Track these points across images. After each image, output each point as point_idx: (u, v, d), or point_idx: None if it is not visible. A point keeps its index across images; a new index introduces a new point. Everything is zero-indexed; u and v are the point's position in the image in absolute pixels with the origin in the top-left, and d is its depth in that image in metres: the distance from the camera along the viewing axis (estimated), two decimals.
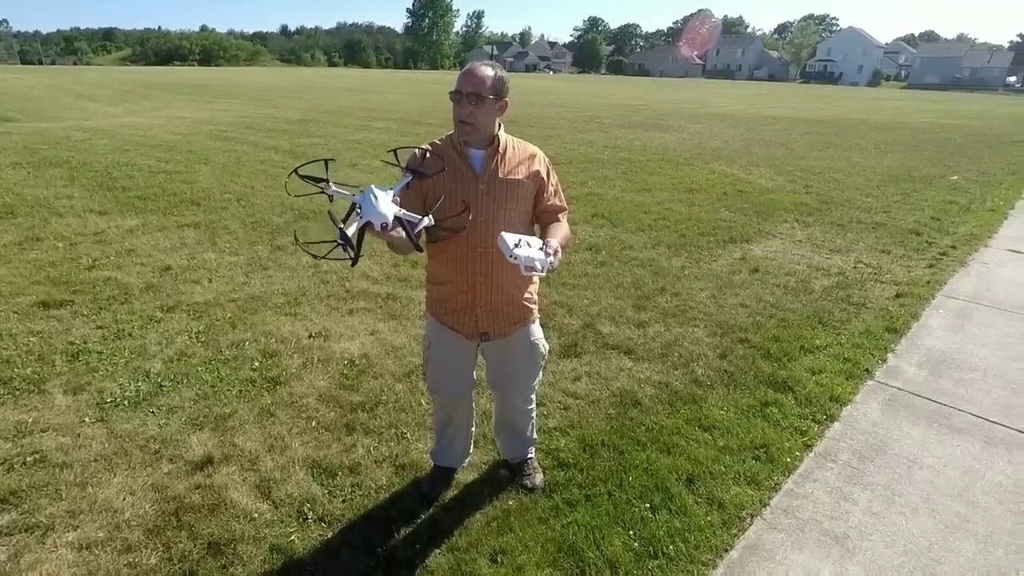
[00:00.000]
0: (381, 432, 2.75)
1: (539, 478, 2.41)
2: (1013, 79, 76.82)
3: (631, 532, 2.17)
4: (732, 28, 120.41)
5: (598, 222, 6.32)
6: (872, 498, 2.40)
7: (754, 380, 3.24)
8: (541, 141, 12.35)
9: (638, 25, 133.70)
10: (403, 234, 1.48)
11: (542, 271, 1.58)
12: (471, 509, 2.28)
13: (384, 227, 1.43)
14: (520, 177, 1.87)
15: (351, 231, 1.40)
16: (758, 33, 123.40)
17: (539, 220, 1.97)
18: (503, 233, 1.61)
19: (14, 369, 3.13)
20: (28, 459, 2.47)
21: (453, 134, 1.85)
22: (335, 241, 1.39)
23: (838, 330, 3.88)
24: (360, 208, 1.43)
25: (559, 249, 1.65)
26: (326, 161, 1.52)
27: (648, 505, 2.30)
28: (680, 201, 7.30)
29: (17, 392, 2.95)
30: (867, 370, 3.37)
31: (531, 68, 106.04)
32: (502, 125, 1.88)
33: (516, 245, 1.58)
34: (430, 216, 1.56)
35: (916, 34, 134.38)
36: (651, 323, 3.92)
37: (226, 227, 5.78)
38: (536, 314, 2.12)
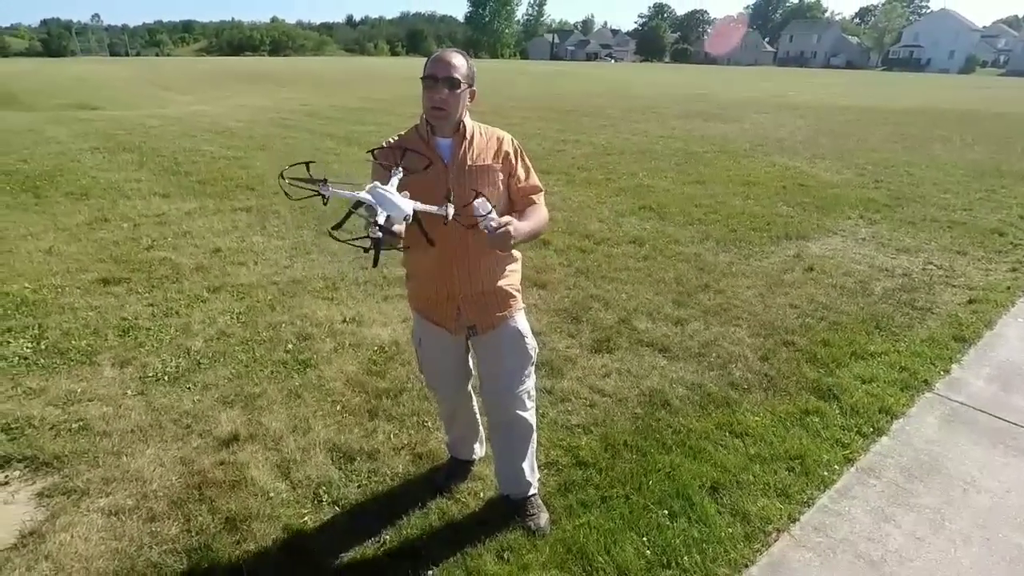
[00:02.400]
0: (403, 419, 2.75)
1: (544, 518, 2.16)
2: None
3: (645, 539, 2.08)
4: (808, 12, 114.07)
5: (645, 214, 6.13)
6: (918, 521, 2.20)
7: (796, 386, 3.04)
8: (595, 131, 12.16)
9: (706, 11, 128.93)
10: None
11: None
12: (481, 503, 2.25)
13: (407, 220, 1.43)
14: (488, 162, 1.84)
15: (376, 228, 1.36)
16: (836, 17, 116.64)
17: (515, 204, 1.92)
18: (481, 200, 1.59)
19: (71, 341, 3.33)
20: (74, 426, 2.62)
21: (419, 124, 1.82)
22: (367, 237, 1.37)
23: (897, 336, 3.59)
24: (378, 205, 1.40)
25: (510, 225, 1.62)
26: (307, 164, 1.46)
27: (666, 512, 2.19)
28: (735, 194, 6.98)
29: (71, 363, 3.13)
30: (926, 381, 3.10)
31: (592, 56, 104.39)
32: (468, 113, 1.83)
33: (488, 213, 1.59)
34: (450, 205, 1.50)
35: (1021, 16, 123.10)
36: (690, 321, 3.76)
37: (276, 212, 5.96)
38: (520, 305, 2.02)
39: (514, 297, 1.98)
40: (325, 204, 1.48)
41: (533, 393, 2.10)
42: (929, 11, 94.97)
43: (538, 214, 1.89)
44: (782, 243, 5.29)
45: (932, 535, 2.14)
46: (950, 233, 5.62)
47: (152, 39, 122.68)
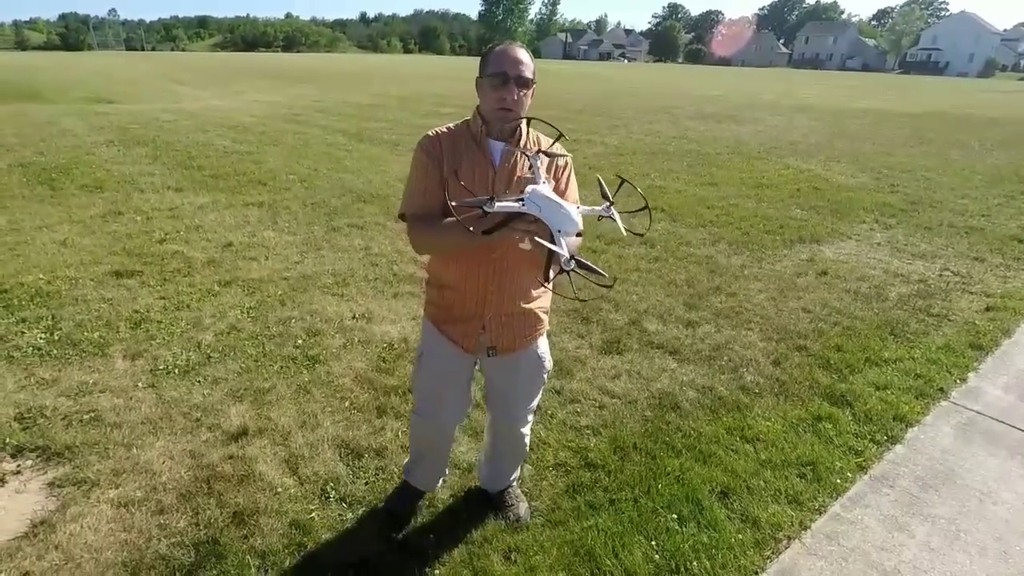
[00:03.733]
0: (411, 417, 2.74)
1: (523, 508, 2.18)
2: None
3: (654, 543, 2.05)
4: (824, 14, 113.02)
5: (656, 216, 6.08)
6: (932, 532, 2.16)
7: (808, 391, 3.01)
8: (607, 131, 12.10)
9: (720, 12, 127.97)
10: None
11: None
12: (487, 504, 2.23)
13: (579, 235, 1.27)
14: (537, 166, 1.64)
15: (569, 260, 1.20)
16: (853, 19, 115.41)
17: None
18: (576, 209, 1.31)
19: (84, 333, 3.35)
20: (85, 417, 2.63)
21: (471, 120, 1.67)
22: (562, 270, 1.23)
23: (912, 343, 3.54)
24: (546, 220, 1.25)
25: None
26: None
27: (676, 516, 2.17)
28: (747, 197, 6.92)
29: (84, 354, 3.15)
30: (941, 389, 3.05)
31: (605, 56, 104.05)
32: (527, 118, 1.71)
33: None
34: (610, 205, 1.32)
35: None
36: (701, 323, 3.72)
37: (287, 207, 5.98)
38: (546, 327, 1.91)
39: (542, 320, 1.87)
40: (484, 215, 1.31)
41: (536, 407, 2.08)
42: (948, 14, 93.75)
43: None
44: (795, 247, 5.23)
45: (947, 546, 2.10)
46: (967, 239, 5.53)
47: (168, 34, 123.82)
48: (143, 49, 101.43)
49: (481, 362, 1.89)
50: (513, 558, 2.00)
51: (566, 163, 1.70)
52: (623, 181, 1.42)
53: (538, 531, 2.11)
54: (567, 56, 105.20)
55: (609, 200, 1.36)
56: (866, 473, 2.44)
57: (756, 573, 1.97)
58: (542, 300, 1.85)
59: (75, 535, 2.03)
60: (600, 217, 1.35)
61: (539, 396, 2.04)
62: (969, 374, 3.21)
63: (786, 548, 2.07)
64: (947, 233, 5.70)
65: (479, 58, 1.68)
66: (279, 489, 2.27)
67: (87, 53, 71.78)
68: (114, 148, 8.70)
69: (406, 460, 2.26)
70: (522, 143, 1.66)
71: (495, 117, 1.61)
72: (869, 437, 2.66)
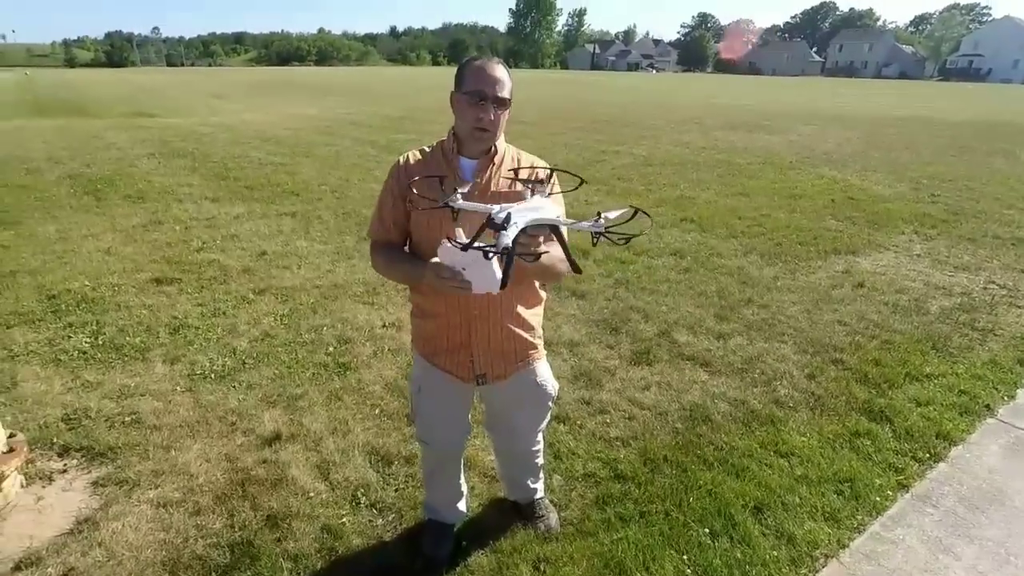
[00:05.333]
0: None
1: (553, 518, 2.16)
2: None
3: (685, 557, 2.02)
4: (859, 21, 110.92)
5: (686, 226, 6.03)
6: (980, 555, 2.08)
7: (845, 406, 2.93)
8: (635, 142, 12.06)
9: (751, 21, 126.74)
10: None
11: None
12: (517, 514, 2.23)
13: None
14: (519, 188, 1.50)
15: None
16: (890, 26, 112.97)
17: None
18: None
19: (126, 337, 3.47)
20: (127, 419, 2.72)
21: (444, 141, 1.62)
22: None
23: (955, 358, 3.42)
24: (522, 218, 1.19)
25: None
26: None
27: (708, 530, 2.13)
28: (780, 207, 6.80)
29: (126, 358, 3.26)
30: (988, 406, 2.94)
31: (633, 67, 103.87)
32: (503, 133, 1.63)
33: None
34: (604, 219, 1.19)
35: None
36: (733, 335, 3.66)
37: (320, 217, 6.11)
38: (542, 352, 1.84)
39: (535, 347, 1.79)
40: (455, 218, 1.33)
41: (547, 423, 2.06)
42: (991, 18, 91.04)
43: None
44: (830, 258, 5.12)
45: (995, 570, 2.01)
46: (1015, 251, 5.33)
47: (206, 50, 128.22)
48: (183, 65, 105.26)
49: (484, 392, 1.84)
50: (542, 568, 1.99)
51: (548, 176, 1.50)
52: (636, 211, 1.26)
53: (567, 542, 2.09)
54: (595, 67, 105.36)
55: (602, 216, 1.20)
56: (907, 491, 2.36)
57: None
58: (533, 324, 1.77)
59: (117, 533, 2.10)
60: (594, 236, 1.21)
61: (546, 420, 2.01)
62: (1017, 391, 3.08)
63: (823, 567, 2.01)
64: (992, 244, 5.50)
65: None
66: (311, 494, 2.30)
67: (130, 69, 74.85)
68: (155, 160, 9.03)
69: (424, 497, 2.19)
70: (499, 161, 1.60)
71: (471, 137, 1.56)
72: (910, 454, 2.57)
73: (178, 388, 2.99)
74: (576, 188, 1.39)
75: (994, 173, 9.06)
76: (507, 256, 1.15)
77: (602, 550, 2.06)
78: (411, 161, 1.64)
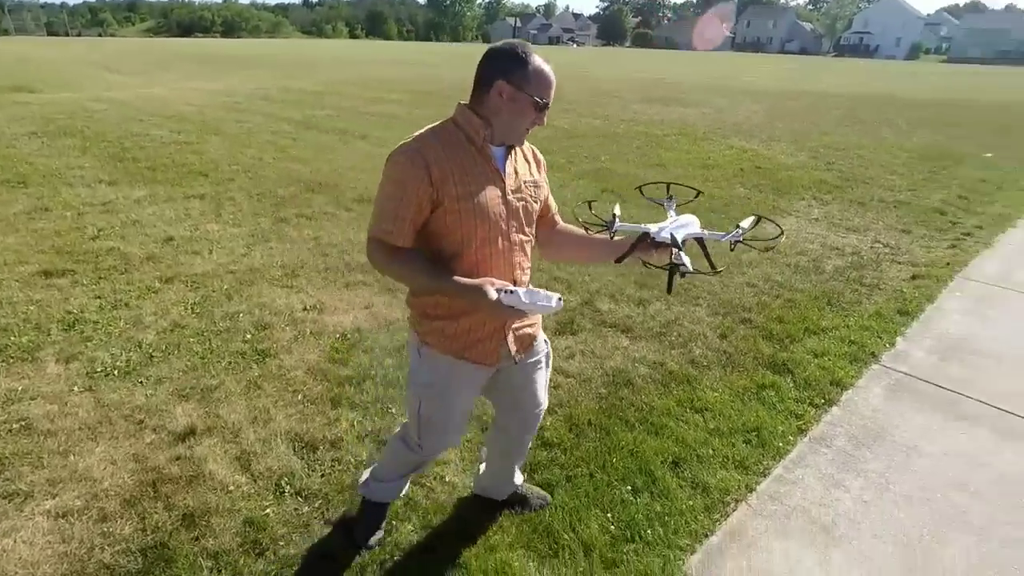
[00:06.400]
0: (367, 407, 2.72)
1: (535, 489, 2.19)
2: None
3: (609, 515, 2.12)
4: None
5: (607, 197, 6.17)
6: (865, 486, 2.31)
7: (753, 361, 3.14)
8: (556, 115, 12.12)
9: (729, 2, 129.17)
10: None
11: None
12: (444, 485, 2.25)
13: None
14: (536, 177, 1.62)
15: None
16: (792, 3, 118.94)
17: (543, 223, 1.73)
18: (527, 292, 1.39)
19: (10, 337, 3.16)
20: (14, 427, 2.49)
21: (466, 125, 1.49)
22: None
23: (847, 312, 3.73)
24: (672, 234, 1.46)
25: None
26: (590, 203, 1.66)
27: (630, 488, 2.24)
28: (694, 177, 7.09)
29: (11, 360, 2.98)
30: (873, 354, 3.24)
31: (554, 40, 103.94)
32: None
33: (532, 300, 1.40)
34: (741, 229, 1.47)
35: (961, 4, 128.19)
36: (652, 301, 3.82)
37: (232, 198, 5.77)
38: None
39: None
40: (612, 238, 1.55)
41: None
42: None
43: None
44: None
45: (878, 498, 2.25)
46: (896, 212, 5.85)
47: (94, 18, 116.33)
48: (67, 34, 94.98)
49: (499, 374, 1.73)
50: (472, 538, 2.02)
51: (543, 160, 1.70)
52: (759, 218, 1.54)
53: (494, 511, 2.13)
54: None
55: (740, 227, 1.48)
56: (806, 435, 2.58)
57: (706, 536, 2.06)
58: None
59: (8, 551, 1.93)
60: (732, 244, 1.48)
61: None
62: (897, 339, 3.42)
63: (734, 511, 2.16)
64: (877, 207, 6.01)
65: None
66: (231, 487, 2.22)
67: (2, 39, 66.85)
68: (37, 140, 8.16)
69: (364, 476, 2.11)
70: (517, 153, 1.58)
71: (515, 136, 1.50)
72: (808, 401, 2.80)
73: (75, 388, 2.77)
74: (694, 199, 1.67)
75: (881, 142, 9.86)
76: (670, 271, 1.39)
77: (531, 516, 2.12)
78: (432, 152, 1.45)
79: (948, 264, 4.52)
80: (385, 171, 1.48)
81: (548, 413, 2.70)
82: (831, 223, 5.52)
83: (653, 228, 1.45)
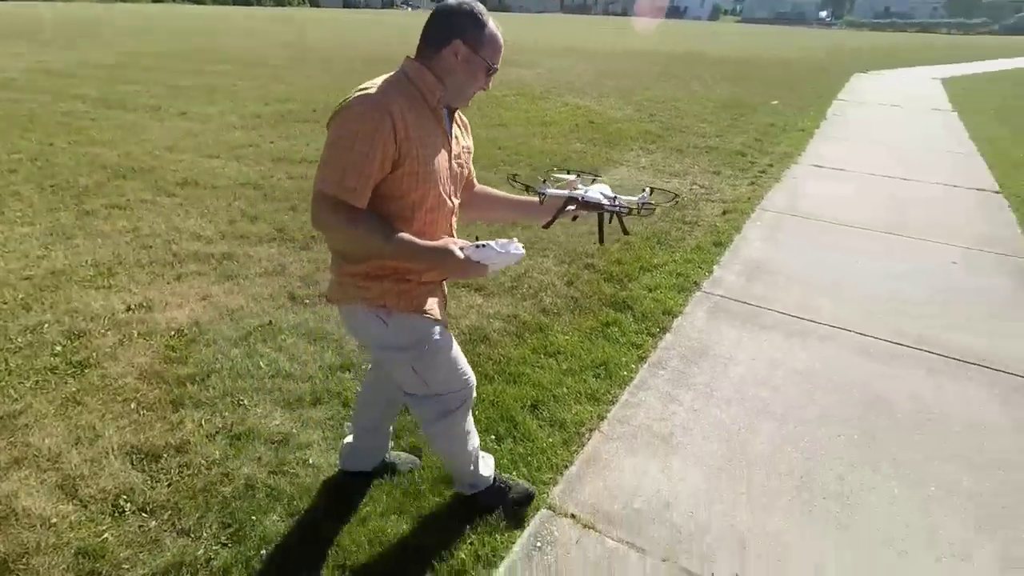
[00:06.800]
0: (214, 403, 2.54)
1: (404, 459, 2.19)
2: (824, 14, 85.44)
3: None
4: None
5: None
6: (695, 397, 2.65)
7: (598, 303, 3.40)
8: None
9: None
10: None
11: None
12: (308, 468, 2.19)
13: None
14: (468, 144, 1.66)
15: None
16: None
17: (466, 186, 1.75)
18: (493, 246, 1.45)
19: None
20: None
21: (422, 85, 1.45)
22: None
23: (673, 248, 4.17)
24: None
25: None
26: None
27: (493, 436, 2.35)
28: (534, 135, 7.34)
29: None
30: (696, 282, 3.67)
31: (388, 4, 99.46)
32: None
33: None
34: (645, 193, 1.67)
35: None
36: None
37: (17, 193, 4.88)
38: None
39: None
40: (542, 203, 1.69)
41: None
42: None
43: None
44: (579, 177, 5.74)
45: (705, 405, 2.60)
46: (708, 157, 6.58)
47: None
48: None
49: None
50: (343, 516, 2.00)
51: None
52: (676, 196, 1.82)
53: (364, 484, 2.13)
54: (348, 4, 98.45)
55: (645, 191, 1.68)
56: (645, 362, 2.88)
57: (566, 467, 2.24)
58: None
59: None
60: (637, 209, 1.66)
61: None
62: (714, 267, 3.91)
63: (588, 440, 2.37)
64: (693, 153, 6.71)
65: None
66: (54, 520, 1.96)
67: None
68: None
69: (462, 488, 2.04)
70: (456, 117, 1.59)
71: (462, 99, 1.50)
72: (646, 332, 3.12)
73: None
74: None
75: (693, 94, 10.93)
76: (612, 218, 1.65)
77: (400, 480, 2.14)
78: (397, 106, 1.37)
79: (749, 199, 5.21)
80: (345, 122, 1.35)
81: None
82: (657, 170, 6.06)
83: (580, 191, 1.62)
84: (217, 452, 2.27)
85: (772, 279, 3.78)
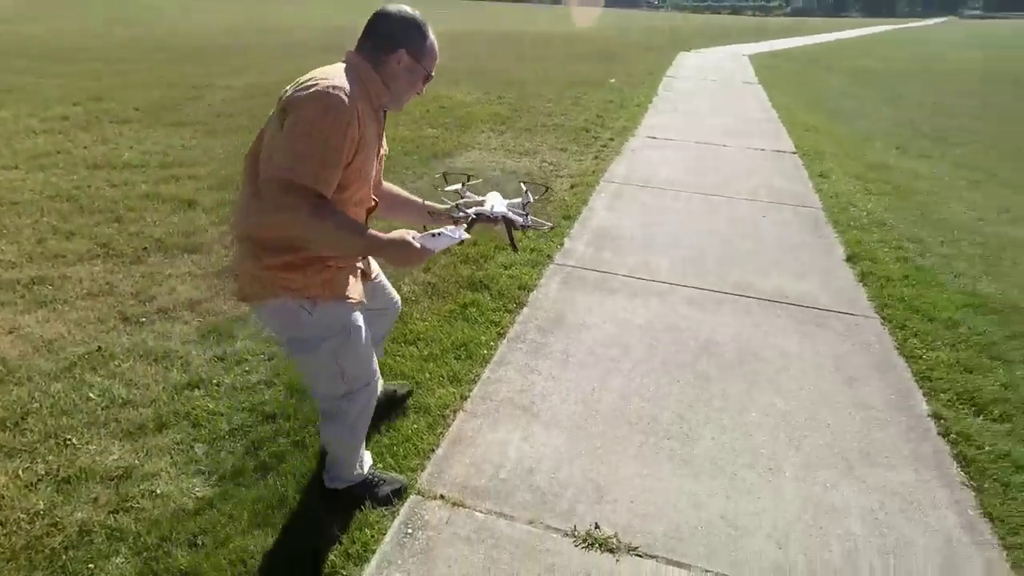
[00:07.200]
0: (33, 448, 2.24)
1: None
2: None
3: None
4: None
5: None
6: (552, 365, 2.81)
7: (455, 286, 3.46)
8: (238, 71, 10.82)
9: None
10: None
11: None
12: (156, 500, 2.03)
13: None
14: (387, 147, 1.79)
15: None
16: None
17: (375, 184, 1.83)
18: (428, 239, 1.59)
19: None
20: None
21: (371, 87, 1.51)
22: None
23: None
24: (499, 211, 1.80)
25: None
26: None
27: None
28: (388, 123, 7.16)
29: None
30: (548, 256, 3.86)
31: None
32: None
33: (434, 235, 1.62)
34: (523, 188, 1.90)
35: None
36: None
37: None
38: None
39: None
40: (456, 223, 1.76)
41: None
42: None
43: None
44: (431, 163, 5.73)
45: (562, 372, 2.77)
46: (555, 134, 6.88)
47: None
48: None
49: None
50: (200, 543, 1.89)
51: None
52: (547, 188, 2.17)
53: (223, 504, 2.02)
54: None
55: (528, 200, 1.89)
56: (504, 338, 3.00)
57: (433, 451, 2.28)
58: None
59: None
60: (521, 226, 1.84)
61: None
62: (565, 239, 4.13)
63: (453, 420, 2.43)
64: (541, 132, 6.98)
65: (403, 23, 1.52)
66: None
67: None
68: None
69: (330, 480, 2.03)
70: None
71: (399, 104, 1.59)
72: (504, 308, 3.23)
73: None
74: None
75: (543, 75, 11.31)
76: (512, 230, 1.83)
77: (263, 494, 2.06)
78: (358, 100, 1.42)
79: (594, 172, 5.55)
80: (316, 112, 1.35)
81: (267, 385, 2.61)
82: (507, 150, 6.23)
83: (486, 208, 1.78)
84: (41, 502, 2.01)
85: (617, 244, 4.09)
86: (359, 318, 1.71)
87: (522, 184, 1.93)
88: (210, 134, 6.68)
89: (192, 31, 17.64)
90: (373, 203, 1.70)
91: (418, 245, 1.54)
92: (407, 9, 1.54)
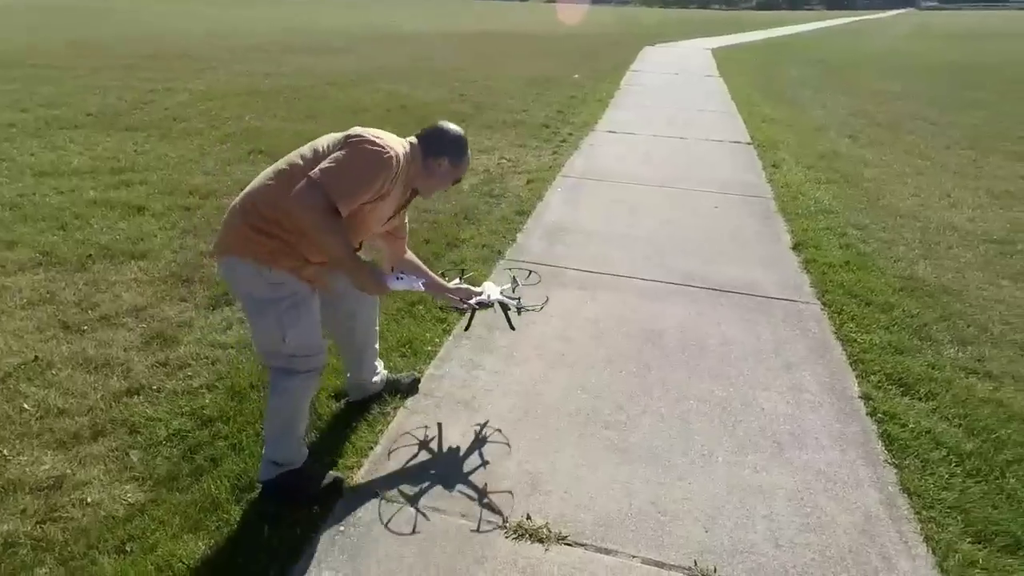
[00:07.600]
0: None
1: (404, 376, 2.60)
2: None
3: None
4: None
5: (256, 158, 5.82)
6: (496, 360, 2.83)
7: None
8: (194, 75, 10.64)
9: None
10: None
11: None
12: (86, 509, 2.01)
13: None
14: (403, 219, 2.28)
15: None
16: None
17: (398, 243, 2.36)
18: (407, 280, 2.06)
19: None
20: None
21: (413, 163, 1.93)
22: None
23: (480, 221, 4.36)
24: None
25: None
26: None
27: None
28: (347, 124, 6.90)
29: None
30: (499, 252, 3.89)
31: None
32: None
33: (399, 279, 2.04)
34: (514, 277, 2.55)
35: None
36: None
37: None
38: None
39: None
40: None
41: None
42: None
43: None
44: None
45: (505, 367, 2.79)
46: (515, 131, 6.91)
47: None
48: None
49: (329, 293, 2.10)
50: (129, 549, 1.87)
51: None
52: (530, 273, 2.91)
53: (154, 510, 2.00)
54: None
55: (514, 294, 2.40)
56: (450, 335, 3.01)
57: (371, 448, 2.29)
58: None
59: None
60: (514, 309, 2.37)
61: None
62: (518, 235, 4.16)
63: (393, 418, 2.44)
64: (502, 128, 7.01)
65: (454, 141, 1.96)
66: None
67: None
68: None
69: (264, 472, 2.04)
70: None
71: (429, 193, 2.10)
72: (450, 306, 3.23)
73: None
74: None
75: (503, 73, 11.33)
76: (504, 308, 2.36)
77: (196, 498, 2.04)
78: (396, 175, 1.83)
79: (551, 167, 5.59)
80: (371, 159, 1.75)
81: (208, 389, 2.59)
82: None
83: (484, 297, 2.30)
84: None
85: (571, 238, 4.13)
86: (308, 290, 1.93)
87: (510, 271, 2.43)
88: (164, 138, 6.57)
89: (147, 36, 17.27)
90: (358, 245, 1.98)
91: (384, 281, 1.94)
92: (458, 131, 2.00)
